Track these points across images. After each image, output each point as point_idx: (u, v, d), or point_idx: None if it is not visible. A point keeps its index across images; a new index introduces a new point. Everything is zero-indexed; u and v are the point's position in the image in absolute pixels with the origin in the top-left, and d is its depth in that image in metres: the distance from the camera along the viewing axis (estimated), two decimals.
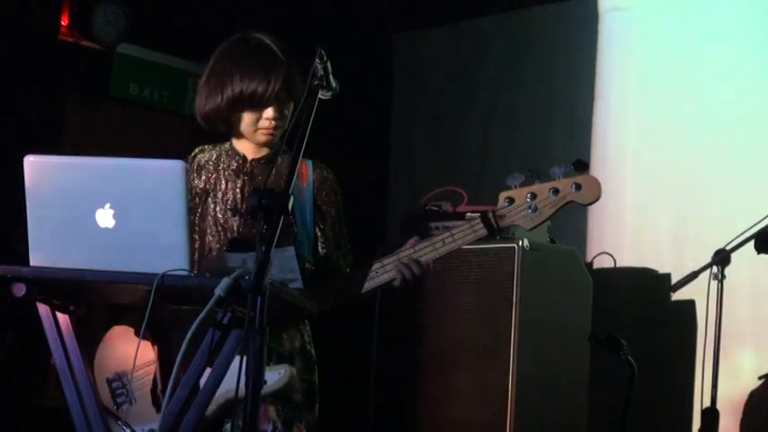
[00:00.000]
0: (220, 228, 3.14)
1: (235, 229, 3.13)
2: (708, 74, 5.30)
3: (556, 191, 2.87)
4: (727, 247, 4.18)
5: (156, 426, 2.75)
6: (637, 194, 5.49)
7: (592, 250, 5.46)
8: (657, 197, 5.39)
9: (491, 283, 4.52)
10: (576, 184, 2.86)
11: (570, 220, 5.44)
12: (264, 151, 3.20)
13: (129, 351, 2.90)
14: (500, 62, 6.11)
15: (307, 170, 3.17)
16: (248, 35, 3.18)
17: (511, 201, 2.90)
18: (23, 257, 2.72)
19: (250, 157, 3.20)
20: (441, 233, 2.98)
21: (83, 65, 5.67)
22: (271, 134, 3.13)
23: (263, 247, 2.51)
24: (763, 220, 4.19)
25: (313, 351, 3.18)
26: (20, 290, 2.70)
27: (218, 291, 2.51)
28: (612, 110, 5.64)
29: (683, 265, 4.66)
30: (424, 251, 2.98)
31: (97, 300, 2.98)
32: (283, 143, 3.12)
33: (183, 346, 2.53)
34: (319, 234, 3.17)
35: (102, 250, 2.65)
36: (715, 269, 4.18)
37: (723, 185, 5.15)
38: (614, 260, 5.26)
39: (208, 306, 2.51)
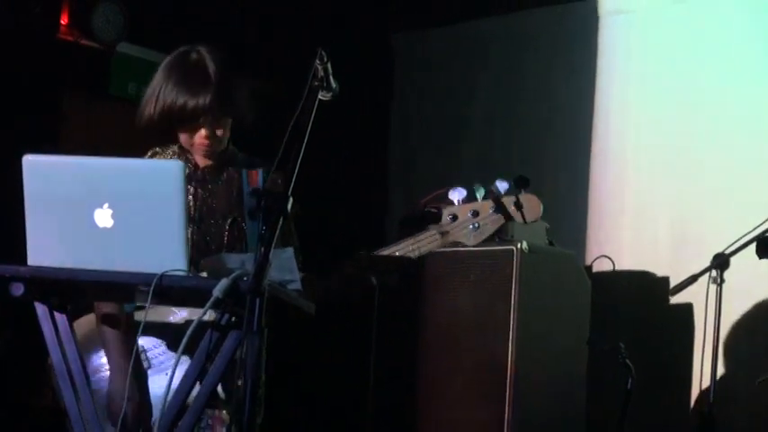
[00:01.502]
0: None
1: (188, 234, 3.14)
2: (708, 77, 5.29)
3: (497, 209, 2.89)
4: (727, 251, 4.17)
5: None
6: (636, 198, 5.48)
7: (591, 253, 5.45)
8: (657, 201, 5.38)
9: (490, 285, 4.52)
10: (516, 202, 2.90)
11: (569, 224, 5.44)
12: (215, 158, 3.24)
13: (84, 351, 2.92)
14: (500, 64, 6.10)
15: (257, 175, 3.20)
16: (192, 48, 3.19)
17: (454, 217, 2.96)
18: (22, 257, 2.71)
19: (201, 164, 3.24)
20: (406, 240, 3.01)
21: (82, 64, 5.66)
22: (207, 152, 3.19)
23: (262, 249, 2.50)
24: (762, 224, 4.18)
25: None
26: (18, 289, 2.70)
27: (216, 292, 2.50)
28: (612, 113, 5.63)
29: (681, 268, 4.65)
30: None
31: (95, 300, 2.98)
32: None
33: (181, 349, 2.52)
34: None
35: (101, 250, 2.65)
36: (714, 273, 4.18)
37: (723, 189, 5.14)
38: (613, 263, 5.26)
39: (206, 307, 2.51)
